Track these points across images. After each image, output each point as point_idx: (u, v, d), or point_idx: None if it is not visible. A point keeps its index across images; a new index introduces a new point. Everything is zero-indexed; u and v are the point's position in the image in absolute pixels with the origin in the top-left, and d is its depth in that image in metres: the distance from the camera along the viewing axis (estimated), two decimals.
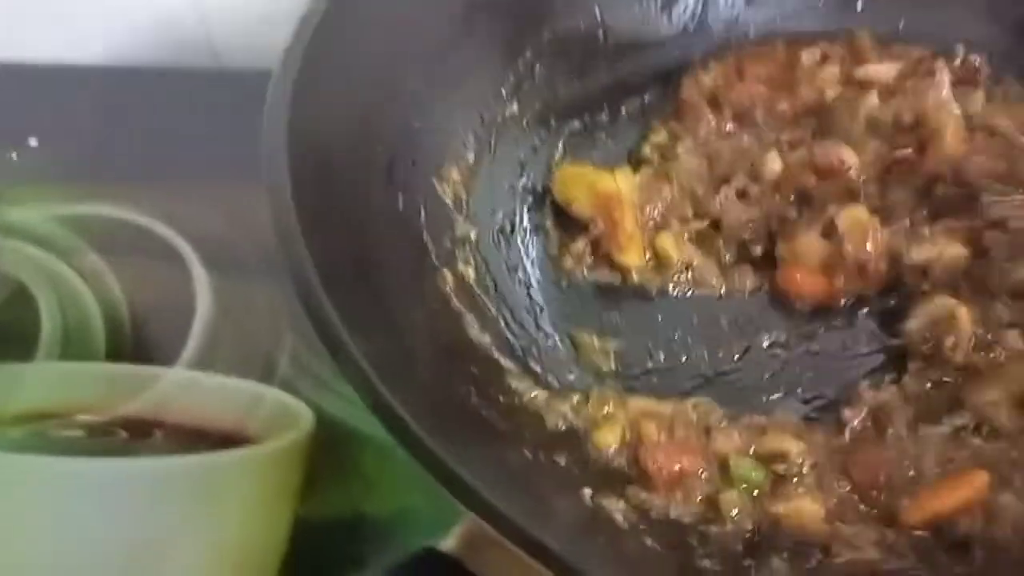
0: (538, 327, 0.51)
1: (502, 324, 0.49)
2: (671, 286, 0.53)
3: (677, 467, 0.43)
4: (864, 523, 0.41)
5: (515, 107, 0.57)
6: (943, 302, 0.47)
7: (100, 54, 0.80)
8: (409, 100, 0.52)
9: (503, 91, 0.56)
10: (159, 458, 0.57)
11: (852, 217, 0.50)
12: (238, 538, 0.54)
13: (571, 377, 0.49)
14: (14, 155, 0.73)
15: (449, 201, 0.51)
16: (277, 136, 0.39)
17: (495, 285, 0.51)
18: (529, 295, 0.53)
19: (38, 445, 0.57)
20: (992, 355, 0.45)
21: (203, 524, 0.54)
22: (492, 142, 0.55)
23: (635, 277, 0.53)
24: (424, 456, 0.30)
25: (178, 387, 0.60)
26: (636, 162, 0.57)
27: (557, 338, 0.51)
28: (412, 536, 0.53)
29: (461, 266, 0.50)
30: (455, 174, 0.53)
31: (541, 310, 0.52)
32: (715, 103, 0.58)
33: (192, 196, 0.69)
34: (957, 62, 0.56)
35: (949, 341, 0.45)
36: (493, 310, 0.49)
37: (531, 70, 0.57)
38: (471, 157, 0.54)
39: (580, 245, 0.54)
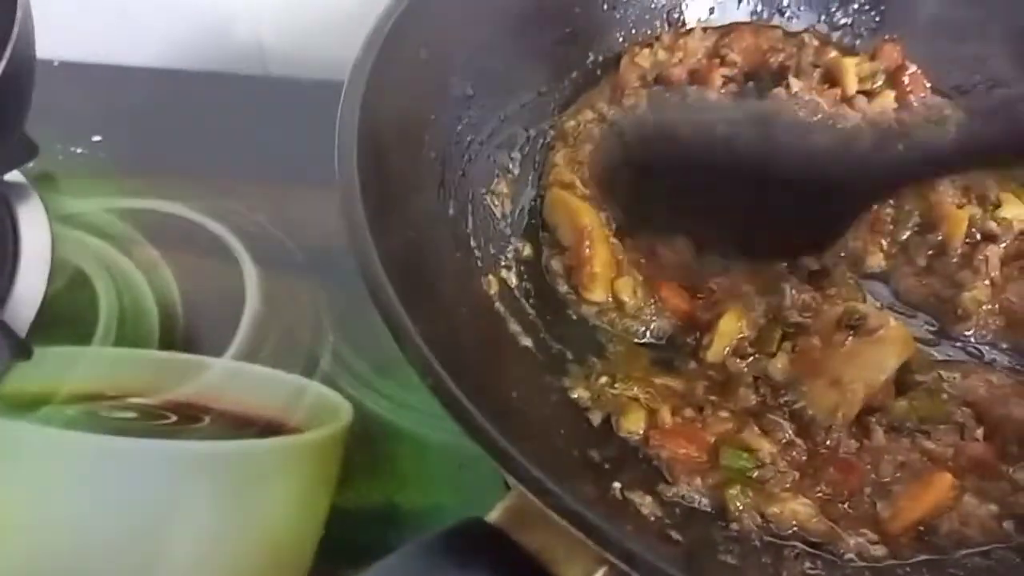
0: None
1: (541, 328, 0.51)
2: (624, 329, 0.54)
3: (683, 451, 0.46)
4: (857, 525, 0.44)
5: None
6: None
7: (158, 57, 0.84)
8: (460, 113, 0.55)
9: (550, 107, 0.59)
10: (206, 442, 0.60)
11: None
12: (278, 521, 0.57)
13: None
14: (79, 149, 0.76)
15: (497, 212, 0.55)
16: (349, 139, 0.42)
17: (533, 291, 0.53)
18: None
19: (91, 424, 0.60)
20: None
21: (246, 505, 0.57)
22: (536, 158, 0.59)
23: (590, 314, 0.53)
24: (478, 433, 0.33)
25: (226, 376, 0.63)
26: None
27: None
28: None
29: (504, 272, 0.53)
30: (503, 187, 0.56)
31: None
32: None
33: (242, 195, 0.73)
34: None
35: None
36: (532, 314, 0.52)
37: (577, 90, 0.60)
38: (516, 171, 0.58)
39: (557, 264, 0.55)
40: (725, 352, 0.50)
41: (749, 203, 0.54)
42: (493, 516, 0.36)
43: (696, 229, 0.54)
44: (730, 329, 0.50)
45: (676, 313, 0.52)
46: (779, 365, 0.49)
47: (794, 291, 0.51)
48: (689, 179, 0.55)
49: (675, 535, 0.42)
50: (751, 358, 0.50)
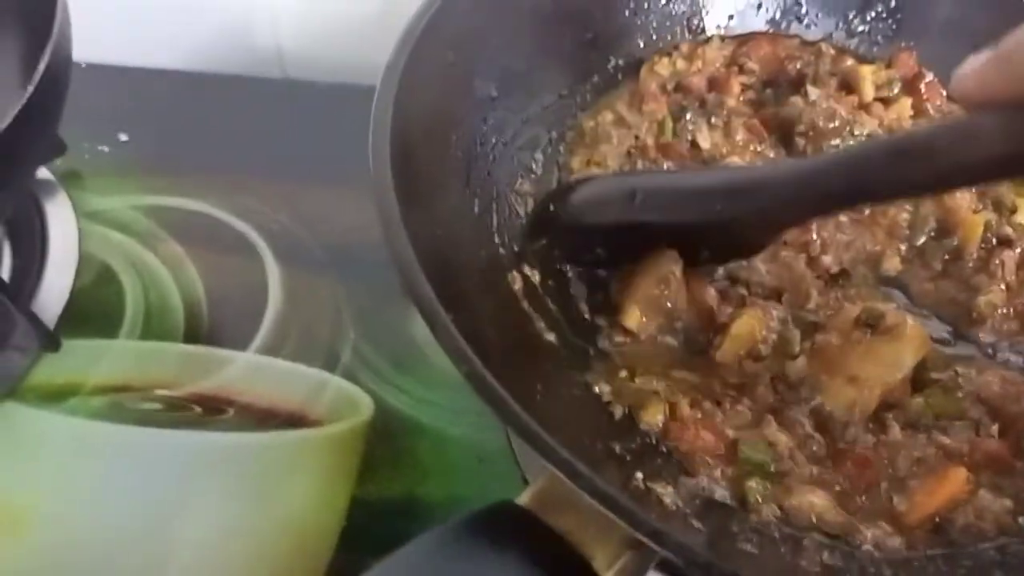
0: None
1: (564, 325, 0.53)
2: None
3: (702, 444, 0.47)
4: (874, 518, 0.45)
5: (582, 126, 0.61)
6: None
7: (182, 60, 0.86)
8: (486, 113, 0.56)
9: (572, 110, 0.61)
10: (230, 433, 0.61)
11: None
12: (300, 512, 0.58)
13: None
14: (105, 148, 0.78)
15: (521, 211, 0.56)
16: (382, 138, 0.43)
17: (558, 288, 0.55)
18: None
19: (117, 415, 0.61)
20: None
21: (268, 496, 0.58)
22: (560, 160, 0.60)
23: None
24: (513, 418, 0.34)
25: (249, 370, 0.64)
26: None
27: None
28: None
29: (528, 269, 0.54)
30: (527, 187, 0.57)
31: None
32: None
33: (264, 194, 0.75)
34: None
35: None
36: (555, 310, 0.53)
37: (598, 93, 0.62)
38: (539, 171, 0.59)
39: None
40: (739, 355, 0.51)
41: None
42: (523, 499, 0.37)
43: None
44: (742, 333, 0.51)
45: (699, 308, 0.53)
46: (797, 365, 0.50)
47: (817, 293, 0.52)
48: None
49: (697, 524, 0.43)
50: (767, 360, 0.51)
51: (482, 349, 0.39)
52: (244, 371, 0.64)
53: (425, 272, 0.40)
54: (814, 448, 0.47)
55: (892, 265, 0.56)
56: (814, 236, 0.56)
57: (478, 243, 0.53)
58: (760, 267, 0.54)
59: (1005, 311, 0.53)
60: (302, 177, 0.76)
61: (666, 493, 0.44)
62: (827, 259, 0.55)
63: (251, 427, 0.61)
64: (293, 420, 0.62)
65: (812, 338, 0.51)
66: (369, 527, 0.57)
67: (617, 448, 0.46)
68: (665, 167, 0.59)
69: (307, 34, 0.87)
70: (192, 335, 0.66)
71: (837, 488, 0.46)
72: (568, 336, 0.52)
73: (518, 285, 0.52)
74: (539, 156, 0.60)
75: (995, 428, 0.48)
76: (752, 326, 0.51)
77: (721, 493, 0.46)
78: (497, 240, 0.54)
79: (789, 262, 0.55)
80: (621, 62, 0.64)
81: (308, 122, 0.81)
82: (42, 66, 0.52)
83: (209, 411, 0.62)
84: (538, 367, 0.49)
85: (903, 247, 0.57)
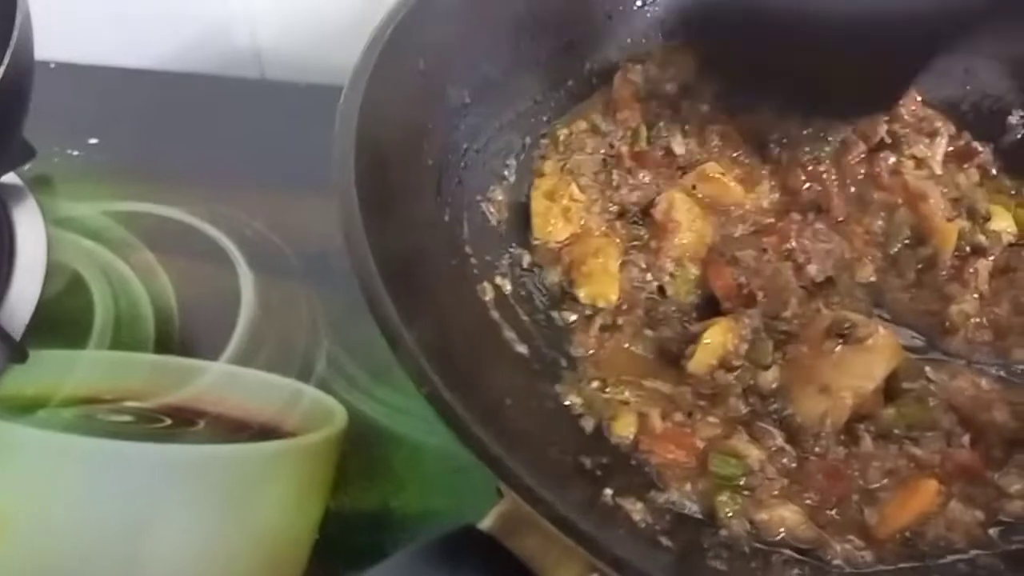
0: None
1: (535, 334, 0.52)
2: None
3: (672, 456, 0.46)
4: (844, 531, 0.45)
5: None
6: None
7: (156, 59, 0.84)
8: (457, 121, 0.56)
9: (546, 116, 0.60)
10: (202, 445, 0.60)
11: None
12: (273, 524, 0.57)
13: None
14: (75, 152, 0.77)
15: (493, 220, 0.55)
16: (346, 146, 0.43)
17: (528, 297, 0.54)
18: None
19: (88, 427, 0.61)
20: None
21: (242, 509, 0.57)
22: (534, 167, 0.59)
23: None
24: (472, 441, 0.33)
25: (222, 380, 0.63)
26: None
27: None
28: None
29: (499, 279, 0.53)
30: (499, 194, 0.57)
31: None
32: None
33: (239, 200, 0.73)
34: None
35: None
36: (527, 320, 0.52)
37: (573, 99, 0.61)
38: (512, 178, 0.58)
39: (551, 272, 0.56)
40: (711, 365, 0.51)
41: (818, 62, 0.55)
42: (486, 523, 0.36)
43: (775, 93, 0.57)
44: (714, 342, 0.51)
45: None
46: (770, 376, 0.50)
47: (797, 302, 0.52)
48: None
49: (665, 541, 0.43)
50: (739, 370, 0.51)
51: (447, 366, 0.38)
52: (216, 381, 0.63)
53: (390, 286, 0.39)
54: (785, 461, 0.47)
55: (866, 274, 0.56)
56: (793, 243, 0.56)
57: (448, 253, 0.52)
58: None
59: (978, 320, 0.53)
60: (279, 182, 0.75)
61: (635, 510, 0.43)
62: (812, 268, 0.55)
63: (223, 439, 0.61)
64: (266, 431, 0.61)
65: (785, 348, 0.50)
66: (343, 540, 0.57)
67: (587, 463, 0.46)
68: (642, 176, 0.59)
69: (286, 33, 0.86)
70: (163, 345, 0.65)
71: (808, 502, 0.46)
72: (539, 346, 0.52)
73: (488, 296, 0.52)
74: (512, 162, 0.59)
75: (966, 438, 0.47)
76: (724, 336, 0.51)
77: (692, 508, 0.45)
78: (468, 250, 0.53)
79: (775, 270, 0.55)
80: (596, 67, 0.64)
81: (286, 125, 0.79)
82: (1, 70, 0.51)
83: (180, 423, 0.61)
84: (507, 380, 0.49)
85: (879, 255, 0.56)
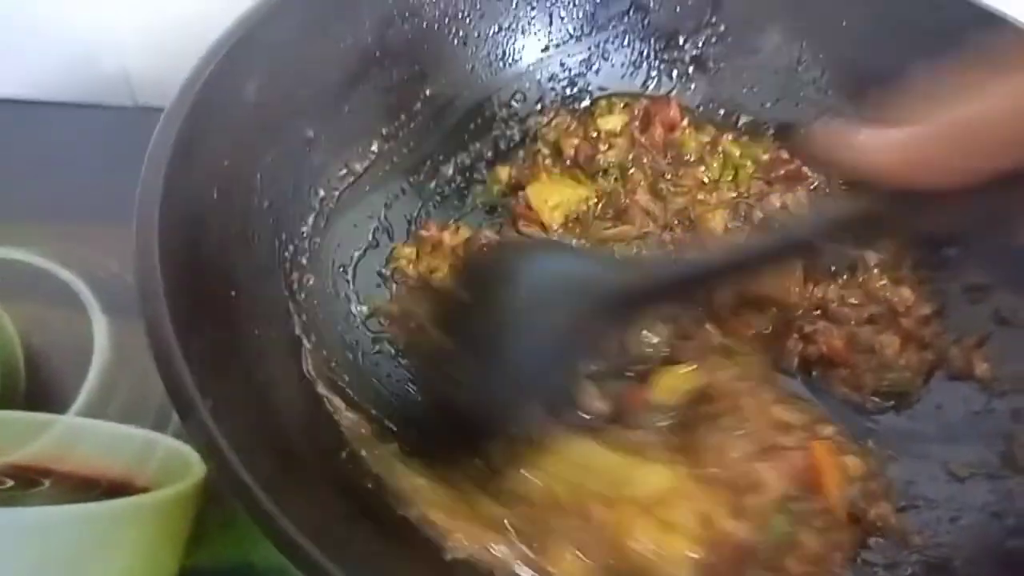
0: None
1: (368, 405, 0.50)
2: None
3: None
4: None
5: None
6: None
7: (9, 85, 0.80)
8: (301, 162, 0.53)
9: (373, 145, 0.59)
10: (45, 508, 0.56)
11: None
12: None
13: None
14: None
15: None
16: (149, 222, 0.40)
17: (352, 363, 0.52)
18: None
19: None
20: None
21: (90, 573, 0.54)
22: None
23: None
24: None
25: (69, 435, 0.60)
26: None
27: None
28: None
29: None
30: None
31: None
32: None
33: (93, 239, 0.69)
34: None
35: None
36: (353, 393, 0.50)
37: (408, 127, 0.59)
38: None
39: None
40: None
41: None
42: None
43: None
44: None
45: None
46: None
47: None
48: None
49: None
50: None
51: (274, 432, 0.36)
52: (63, 436, 0.60)
53: (195, 368, 0.37)
54: None
55: None
56: None
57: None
58: None
59: None
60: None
61: None
62: None
63: (69, 499, 0.57)
64: (116, 488, 0.58)
65: None
66: None
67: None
68: None
69: (157, 56, 0.82)
70: (7, 399, 0.62)
71: None
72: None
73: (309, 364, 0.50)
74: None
75: None
76: None
77: None
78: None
79: None
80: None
81: None
82: None
83: (23, 484, 0.58)
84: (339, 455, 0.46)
85: None
